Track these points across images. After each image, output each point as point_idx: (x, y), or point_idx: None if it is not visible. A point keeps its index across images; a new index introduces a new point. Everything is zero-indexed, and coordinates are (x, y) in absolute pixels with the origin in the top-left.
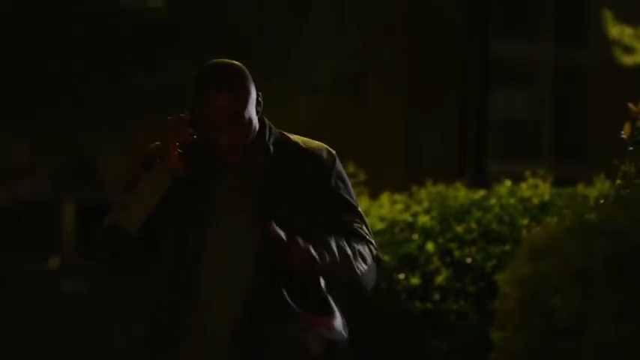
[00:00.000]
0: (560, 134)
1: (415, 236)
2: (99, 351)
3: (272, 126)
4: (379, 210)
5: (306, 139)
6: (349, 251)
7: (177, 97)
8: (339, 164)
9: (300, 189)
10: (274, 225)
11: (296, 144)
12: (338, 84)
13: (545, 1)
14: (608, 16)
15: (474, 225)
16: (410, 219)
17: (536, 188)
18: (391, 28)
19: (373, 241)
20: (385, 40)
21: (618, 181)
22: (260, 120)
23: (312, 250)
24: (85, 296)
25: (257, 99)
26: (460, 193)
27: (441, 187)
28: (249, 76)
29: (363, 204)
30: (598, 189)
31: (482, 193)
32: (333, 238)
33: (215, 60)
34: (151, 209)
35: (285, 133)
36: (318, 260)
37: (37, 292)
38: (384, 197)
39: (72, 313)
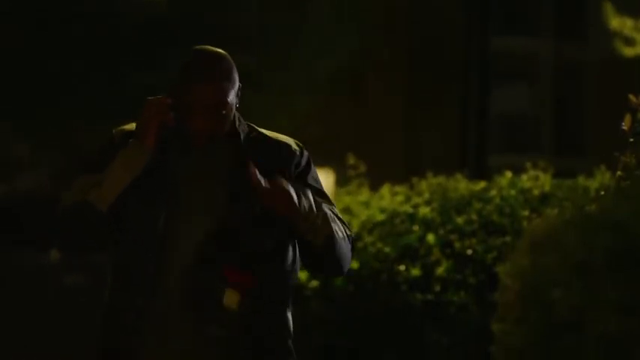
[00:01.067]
0: (560, 129)
1: (416, 228)
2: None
3: (240, 117)
4: (380, 201)
5: (275, 133)
6: (328, 212)
7: None
8: (306, 155)
9: (268, 176)
10: (254, 168)
11: (264, 135)
12: (338, 82)
13: None
14: (608, 8)
15: (474, 216)
16: (410, 210)
17: (537, 180)
18: (391, 25)
19: (347, 225)
20: (385, 38)
21: (619, 173)
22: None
23: (293, 193)
24: (86, 291)
25: (237, 91)
26: (461, 185)
27: (441, 179)
28: (233, 65)
29: (363, 195)
30: (598, 181)
31: (482, 184)
32: (314, 198)
33: (201, 47)
34: (123, 186)
35: (254, 125)
36: (297, 204)
37: (38, 287)
38: (385, 189)
39: (73, 307)
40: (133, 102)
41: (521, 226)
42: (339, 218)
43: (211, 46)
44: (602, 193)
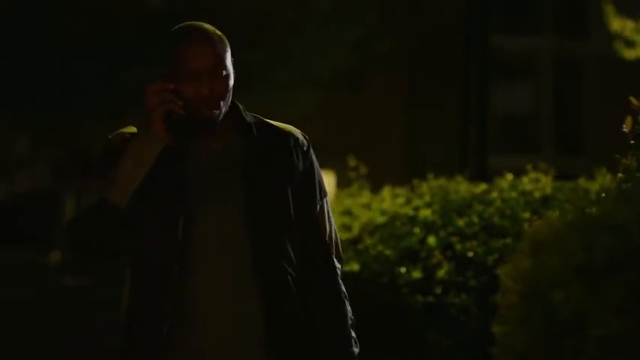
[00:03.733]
0: (561, 128)
1: (417, 230)
2: (99, 345)
3: (245, 109)
4: (381, 203)
5: (280, 123)
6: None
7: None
8: (312, 149)
9: (279, 171)
10: None
11: (273, 126)
12: (339, 80)
13: None
14: (609, 9)
15: (475, 219)
16: (411, 213)
17: (538, 182)
18: (391, 25)
19: (336, 238)
20: (385, 38)
21: (620, 175)
22: (233, 103)
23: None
24: (86, 290)
25: (232, 63)
26: (462, 187)
27: (442, 181)
28: (226, 40)
29: (364, 198)
30: (599, 183)
31: (483, 186)
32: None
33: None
34: (139, 181)
35: (259, 116)
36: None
37: (37, 286)
38: (386, 191)
39: (72, 306)
40: (133, 99)
41: (522, 229)
42: (338, 252)
43: None
44: (603, 195)
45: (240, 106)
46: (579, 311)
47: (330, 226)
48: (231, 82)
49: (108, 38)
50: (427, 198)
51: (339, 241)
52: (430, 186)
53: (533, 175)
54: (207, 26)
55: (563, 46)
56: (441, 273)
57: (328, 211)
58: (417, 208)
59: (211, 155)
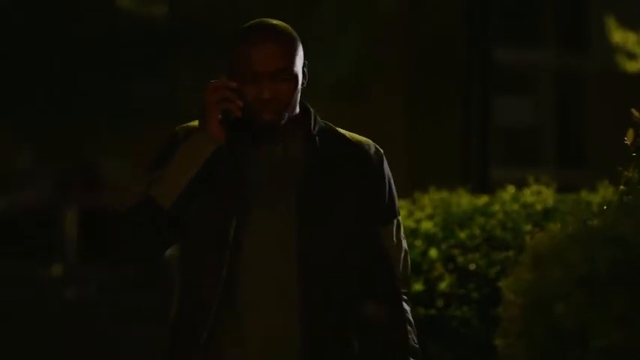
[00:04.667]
0: (562, 140)
1: (418, 242)
2: (102, 358)
3: (317, 116)
4: None
5: (352, 133)
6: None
7: (178, 105)
8: (386, 162)
9: (343, 183)
10: None
11: (343, 136)
12: (339, 91)
13: (546, 8)
14: (611, 22)
15: (477, 231)
16: (413, 225)
17: (540, 194)
18: (392, 37)
19: (405, 263)
20: (386, 51)
21: (621, 187)
22: (304, 107)
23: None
24: (88, 304)
25: (303, 68)
26: (463, 200)
27: (444, 194)
28: (297, 37)
29: None
30: (601, 195)
31: (485, 199)
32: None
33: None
34: (187, 182)
35: (331, 124)
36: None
37: (39, 300)
38: None
39: (74, 320)
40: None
41: (524, 241)
42: (395, 276)
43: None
44: (605, 207)
45: (312, 112)
46: (581, 323)
47: (399, 249)
48: (299, 86)
49: (111, 53)
50: (429, 210)
51: (408, 266)
52: (432, 198)
53: (534, 187)
54: (278, 24)
55: (564, 59)
56: (443, 285)
57: (398, 233)
58: (418, 221)
59: (271, 160)
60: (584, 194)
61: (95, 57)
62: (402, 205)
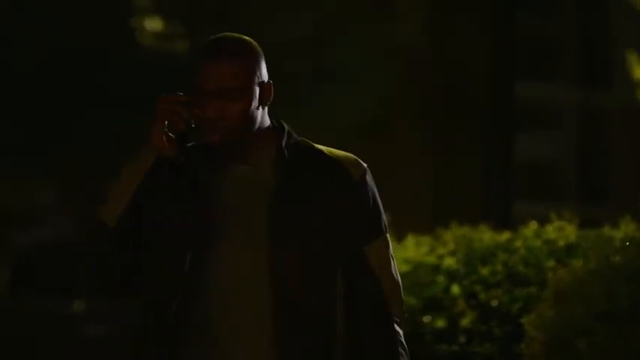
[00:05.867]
0: (585, 176)
1: (440, 278)
2: None
3: (292, 132)
4: (404, 252)
5: (333, 149)
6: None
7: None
8: (368, 177)
9: (317, 202)
10: None
11: (319, 152)
12: (363, 126)
13: (569, 44)
14: (632, 58)
15: (499, 267)
16: (435, 261)
17: (562, 230)
18: (415, 73)
19: (395, 284)
20: (410, 87)
21: None
22: (277, 123)
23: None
24: (110, 340)
25: (264, 84)
26: (485, 236)
27: (466, 230)
28: (258, 54)
29: None
30: (623, 231)
31: (507, 235)
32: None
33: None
34: (128, 196)
35: (308, 141)
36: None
37: (61, 336)
38: (409, 239)
39: (96, 357)
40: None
41: (546, 277)
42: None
43: None
44: (627, 243)
45: (286, 128)
46: (603, 358)
47: (387, 267)
48: (252, 105)
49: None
50: (451, 246)
51: (397, 284)
52: (454, 234)
53: (557, 223)
54: (235, 40)
55: (587, 94)
56: (465, 322)
57: (385, 250)
58: (440, 257)
59: (235, 180)
60: (606, 230)
61: (115, 92)
62: (424, 241)
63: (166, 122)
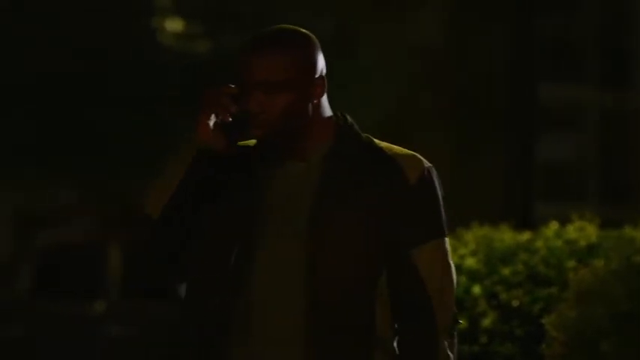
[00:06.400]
0: (606, 176)
1: (461, 279)
2: None
3: (354, 127)
4: None
5: (396, 146)
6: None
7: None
8: (428, 177)
9: (365, 202)
10: None
11: (377, 149)
12: (383, 127)
13: (591, 45)
14: None
15: (520, 267)
16: (456, 261)
17: (583, 230)
18: (435, 75)
19: (448, 293)
20: (429, 88)
21: None
22: (340, 116)
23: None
24: (131, 341)
25: (315, 77)
26: (506, 236)
27: (487, 230)
28: (308, 47)
29: None
30: None
31: (528, 235)
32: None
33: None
34: (171, 188)
35: (371, 137)
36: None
37: (82, 337)
38: None
39: (117, 358)
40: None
41: (567, 277)
42: (428, 302)
43: None
44: None
45: (347, 122)
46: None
47: (439, 273)
48: (299, 97)
49: (152, 91)
50: (472, 246)
51: (449, 296)
52: (475, 234)
53: (578, 223)
54: (281, 31)
55: (608, 96)
56: (486, 322)
57: (439, 254)
58: (461, 257)
59: (284, 177)
60: (628, 230)
61: (137, 95)
62: None
63: (212, 115)
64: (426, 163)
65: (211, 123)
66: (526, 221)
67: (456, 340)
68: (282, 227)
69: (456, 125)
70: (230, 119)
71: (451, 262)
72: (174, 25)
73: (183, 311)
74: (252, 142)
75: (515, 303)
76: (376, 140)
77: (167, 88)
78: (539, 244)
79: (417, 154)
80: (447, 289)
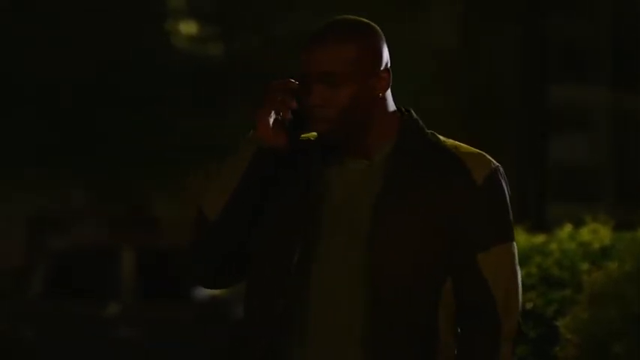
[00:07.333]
0: (619, 177)
1: None
2: None
3: (420, 124)
4: None
5: (464, 145)
6: None
7: (236, 144)
8: (496, 179)
9: (426, 203)
10: None
11: (443, 148)
12: None
13: (602, 46)
14: None
15: (534, 270)
16: None
17: (597, 233)
18: (447, 74)
19: (514, 299)
20: (441, 87)
21: None
22: (406, 112)
23: None
24: (144, 343)
25: (379, 70)
26: (520, 238)
27: None
28: (372, 38)
29: None
30: None
31: (542, 237)
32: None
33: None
34: (231, 190)
35: (437, 135)
36: None
37: (96, 338)
38: None
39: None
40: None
41: (581, 280)
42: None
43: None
44: None
45: (413, 119)
46: None
47: (504, 279)
48: (363, 91)
49: (166, 93)
50: None
51: (514, 299)
52: None
53: (592, 225)
54: (343, 22)
55: (621, 96)
56: None
57: (505, 261)
58: None
59: (347, 176)
60: None
61: (150, 98)
62: None
63: (273, 112)
64: (494, 163)
65: (271, 120)
66: (540, 223)
67: (515, 349)
68: (342, 227)
69: (467, 126)
70: (290, 116)
71: (518, 268)
72: (185, 27)
73: (244, 311)
74: (313, 134)
75: (528, 305)
76: (442, 137)
77: (179, 90)
78: (553, 246)
79: (484, 153)
80: (513, 294)
